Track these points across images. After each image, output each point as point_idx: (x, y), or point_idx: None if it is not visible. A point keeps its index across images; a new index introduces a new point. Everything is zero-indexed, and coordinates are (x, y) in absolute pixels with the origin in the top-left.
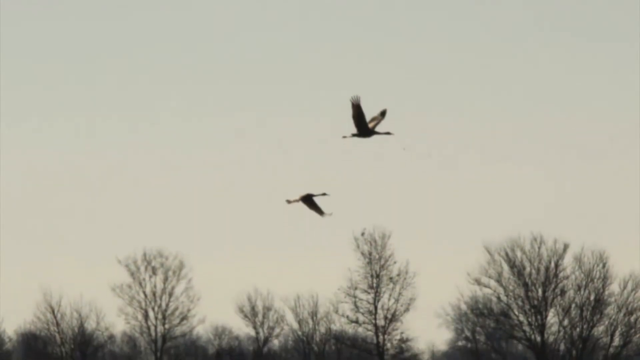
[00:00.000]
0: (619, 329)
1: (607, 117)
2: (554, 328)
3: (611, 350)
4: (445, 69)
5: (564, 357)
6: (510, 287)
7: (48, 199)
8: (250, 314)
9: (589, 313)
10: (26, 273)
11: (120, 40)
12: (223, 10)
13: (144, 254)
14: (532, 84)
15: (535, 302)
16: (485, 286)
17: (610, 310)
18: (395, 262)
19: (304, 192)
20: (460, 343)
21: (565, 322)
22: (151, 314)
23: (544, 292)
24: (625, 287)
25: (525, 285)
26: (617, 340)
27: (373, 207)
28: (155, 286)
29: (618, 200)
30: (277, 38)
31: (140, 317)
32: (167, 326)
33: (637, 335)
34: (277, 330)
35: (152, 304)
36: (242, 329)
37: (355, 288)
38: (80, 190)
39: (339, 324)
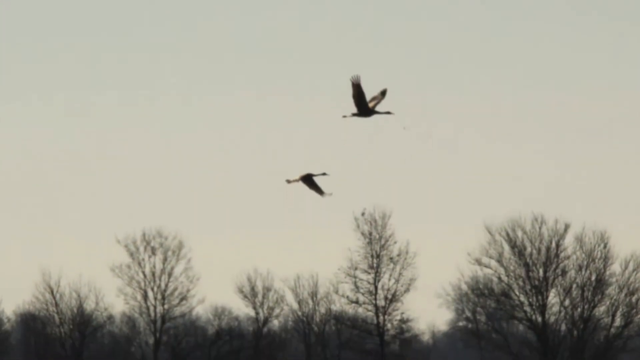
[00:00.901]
0: (620, 309)
1: (608, 96)
2: (555, 308)
3: (612, 330)
4: (446, 48)
5: (565, 337)
6: (511, 268)
7: (46, 179)
8: (250, 294)
9: (590, 293)
10: (25, 253)
11: (118, 18)
12: None
13: (143, 234)
14: (533, 63)
15: (536, 283)
16: (486, 266)
17: (611, 290)
18: (395, 242)
19: (304, 172)
20: (460, 323)
21: (567, 302)
22: (150, 294)
23: (545, 272)
24: (626, 268)
25: (526, 265)
26: (618, 321)
27: (373, 187)
28: (154, 266)
29: (619, 180)
30: (277, 17)
31: (139, 297)
32: (166, 306)
33: (639, 316)
34: (277, 311)
35: (152, 284)
36: (241, 309)
37: (356, 268)
38: (79, 169)
39: (339, 305)
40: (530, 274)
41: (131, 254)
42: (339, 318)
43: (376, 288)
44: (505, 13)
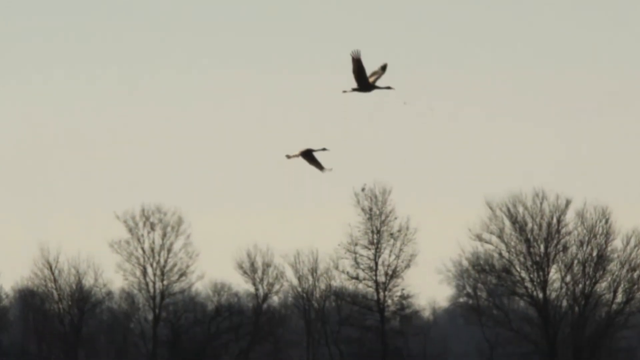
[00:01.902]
0: (622, 285)
1: (611, 71)
2: (556, 284)
3: (614, 306)
4: (447, 22)
5: (566, 313)
6: (512, 243)
7: (45, 154)
8: (250, 270)
9: (591, 269)
10: (23, 229)
11: None
12: None
13: (143, 210)
14: (535, 39)
15: (537, 259)
16: (487, 242)
17: (613, 266)
18: (396, 218)
19: (303, 147)
20: (461, 299)
21: (568, 278)
22: (149, 270)
23: (546, 248)
24: (628, 243)
25: (527, 241)
26: (620, 297)
27: (373, 162)
28: (153, 242)
29: (621, 156)
30: None
31: (138, 273)
32: (165, 282)
33: None
34: (276, 287)
35: (151, 260)
36: (241, 285)
37: (356, 244)
38: (78, 145)
39: (339, 280)
40: (531, 249)
41: (130, 230)
42: (339, 294)
43: (376, 264)
44: None
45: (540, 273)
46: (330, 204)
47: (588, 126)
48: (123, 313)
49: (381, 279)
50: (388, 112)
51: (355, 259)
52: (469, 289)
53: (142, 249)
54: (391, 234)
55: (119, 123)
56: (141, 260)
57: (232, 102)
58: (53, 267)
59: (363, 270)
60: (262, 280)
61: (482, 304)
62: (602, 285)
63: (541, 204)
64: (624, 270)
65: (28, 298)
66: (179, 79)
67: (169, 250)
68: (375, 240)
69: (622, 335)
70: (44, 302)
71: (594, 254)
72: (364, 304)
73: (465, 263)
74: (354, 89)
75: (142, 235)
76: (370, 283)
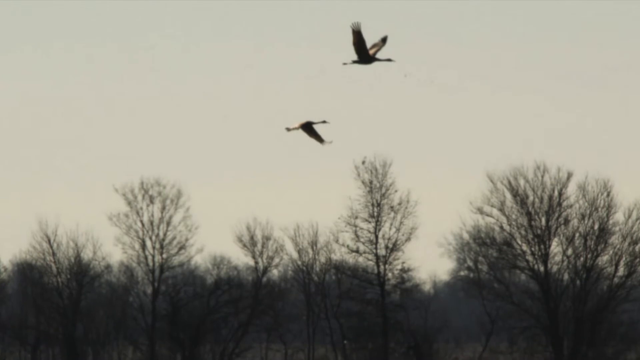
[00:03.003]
0: (624, 258)
1: (611, 44)
2: (558, 258)
3: (615, 280)
4: None
5: (567, 287)
6: (513, 216)
7: (44, 127)
8: (249, 243)
9: (593, 242)
10: (22, 202)
11: None
12: None
13: (142, 183)
14: (536, 11)
15: (539, 232)
16: (488, 215)
17: (614, 239)
18: (396, 191)
19: (303, 120)
20: (462, 273)
21: (569, 251)
22: (148, 244)
23: (547, 221)
24: (630, 216)
25: (529, 214)
26: (621, 270)
27: (374, 135)
28: (152, 215)
29: (623, 128)
30: None
31: (137, 246)
32: (164, 256)
33: None
34: (276, 260)
35: (150, 233)
36: (240, 258)
37: (356, 217)
38: (77, 118)
39: (339, 254)
40: (533, 222)
41: (129, 203)
42: (339, 267)
43: (377, 237)
44: None
45: (542, 246)
46: (330, 177)
47: (590, 99)
48: (122, 286)
49: (381, 252)
50: (388, 84)
51: (355, 232)
52: (469, 262)
53: (141, 222)
54: (392, 207)
55: (118, 95)
56: (140, 233)
57: (231, 74)
58: (51, 241)
59: (363, 243)
60: (261, 253)
61: (482, 277)
62: (604, 259)
63: (542, 176)
64: (626, 244)
65: (26, 271)
66: (177, 52)
67: (168, 224)
68: (375, 214)
69: (624, 308)
70: (42, 276)
71: (596, 227)
72: (364, 278)
73: (466, 236)
74: (355, 62)
75: (141, 208)
76: (370, 256)
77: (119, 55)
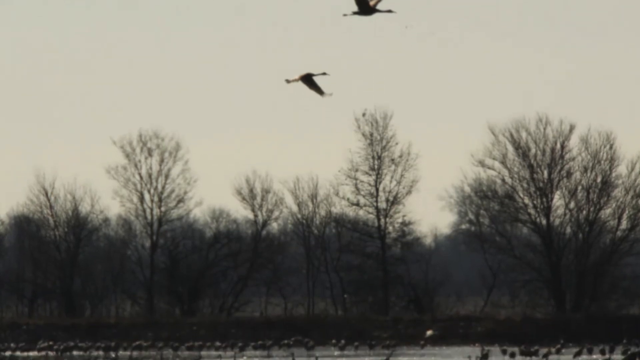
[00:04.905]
0: (627, 211)
1: None
2: (560, 211)
3: (618, 233)
4: None
5: (569, 240)
6: (515, 169)
7: (41, 79)
8: (249, 196)
9: (595, 195)
10: (19, 155)
11: None
12: None
13: (140, 135)
14: None
15: (541, 185)
16: (490, 168)
17: (617, 192)
18: (397, 144)
19: (303, 72)
20: (463, 226)
21: (572, 204)
22: (147, 197)
23: (549, 174)
24: (633, 169)
25: (531, 167)
26: (624, 223)
27: (374, 87)
28: (151, 168)
29: (626, 80)
30: None
31: (135, 199)
32: (163, 209)
33: None
34: (276, 213)
35: (148, 186)
36: (240, 211)
37: (356, 170)
38: (75, 69)
39: (339, 207)
40: (535, 175)
41: (127, 155)
42: (340, 221)
43: (377, 190)
44: None
45: (544, 199)
46: (331, 130)
47: (592, 50)
48: (120, 240)
49: (382, 205)
50: (389, 36)
51: (355, 185)
52: (471, 216)
53: (140, 174)
54: (392, 160)
55: (116, 47)
56: (138, 186)
57: (231, 25)
58: (49, 194)
59: (364, 196)
60: (261, 206)
61: (484, 230)
62: (607, 212)
63: (544, 129)
64: (629, 197)
65: (24, 225)
66: (177, 2)
67: (166, 176)
68: (376, 166)
69: (627, 262)
70: (39, 229)
71: (598, 180)
72: (365, 231)
73: (467, 189)
74: (355, 13)
75: (140, 161)
76: (370, 209)
77: (117, 5)
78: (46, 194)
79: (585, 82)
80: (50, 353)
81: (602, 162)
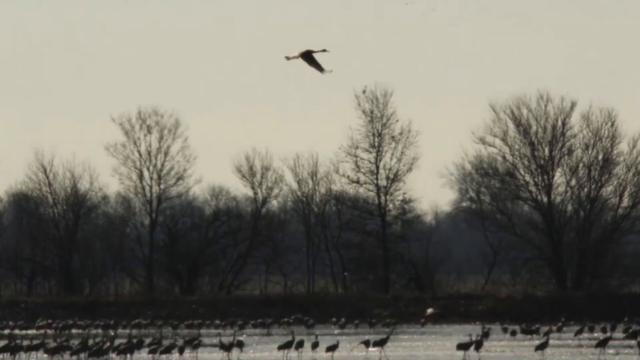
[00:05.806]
0: (628, 189)
1: None
2: (561, 188)
3: (620, 211)
4: None
5: (571, 218)
6: (516, 146)
7: (39, 56)
8: (248, 174)
9: (597, 173)
10: (17, 132)
11: None
12: None
13: (139, 112)
14: None
15: (542, 162)
16: (490, 145)
17: (619, 170)
18: (397, 121)
19: (303, 48)
20: (464, 204)
21: (573, 182)
22: (146, 174)
23: (550, 151)
24: (634, 146)
25: (532, 144)
26: (626, 201)
27: (375, 63)
28: (150, 145)
29: (627, 57)
30: None
31: (134, 177)
32: (162, 186)
33: None
34: (275, 191)
35: (147, 163)
36: (239, 189)
37: (357, 147)
38: (73, 46)
39: (339, 184)
40: (536, 153)
41: (126, 133)
42: (340, 198)
43: (377, 167)
44: None
45: (545, 177)
46: (331, 107)
47: (594, 27)
48: (119, 217)
49: (382, 182)
50: (390, 12)
51: (356, 163)
52: (472, 193)
53: (139, 152)
54: (393, 137)
55: (115, 23)
56: (137, 163)
57: (231, 2)
58: (48, 171)
59: (364, 174)
60: (261, 184)
61: (485, 208)
62: (608, 189)
63: (546, 106)
64: (630, 174)
65: (22, 202)
66: None
67: (166, 154)
68: (376, 144)
69: (628, 239)
70: (38, 207)
71: (600, 157)
72: (365, 209)
73: (468, 166)
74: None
75: (139, 138)
76: (371, 187)
77: None
78: (45, 171)
79: (587, 59)
80: (49, 331)
81: (604, 139)
